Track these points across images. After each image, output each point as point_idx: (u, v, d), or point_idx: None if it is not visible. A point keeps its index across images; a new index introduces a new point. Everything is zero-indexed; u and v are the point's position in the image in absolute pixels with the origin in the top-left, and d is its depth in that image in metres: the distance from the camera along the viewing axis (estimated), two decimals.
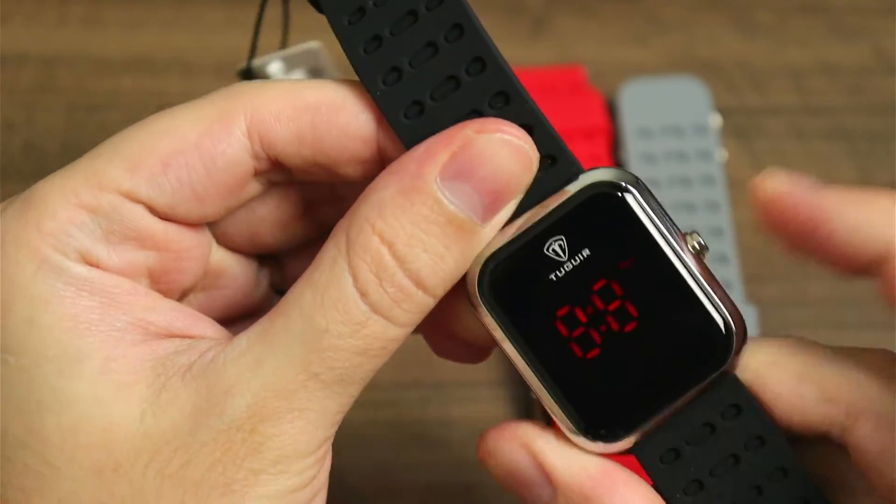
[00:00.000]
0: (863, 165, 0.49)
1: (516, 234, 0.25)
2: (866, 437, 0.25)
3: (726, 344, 0.25)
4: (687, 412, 0.25)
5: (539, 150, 0.25)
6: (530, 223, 0.25)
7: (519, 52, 0.51)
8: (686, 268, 0.25)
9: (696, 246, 0.25)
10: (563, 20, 0.52)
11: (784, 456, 0.25)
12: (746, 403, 0.25)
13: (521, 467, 0.25)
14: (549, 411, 0.26)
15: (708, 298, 0.25)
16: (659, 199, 0.25)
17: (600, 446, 0.25)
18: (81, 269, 0.24)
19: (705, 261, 0.25)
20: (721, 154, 0.47)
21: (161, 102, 0.48)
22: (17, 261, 0.24)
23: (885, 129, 0.50)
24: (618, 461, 0.26)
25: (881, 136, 0.50)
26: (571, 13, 0.52)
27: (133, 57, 0.49)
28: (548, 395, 0.25)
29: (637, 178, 0.25)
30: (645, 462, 0.26)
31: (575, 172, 0.25)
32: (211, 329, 0.26)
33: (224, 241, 0.28)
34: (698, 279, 0.25)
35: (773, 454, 0.25)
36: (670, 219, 0.25)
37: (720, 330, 0.25)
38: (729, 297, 0.25)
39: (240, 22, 0.51)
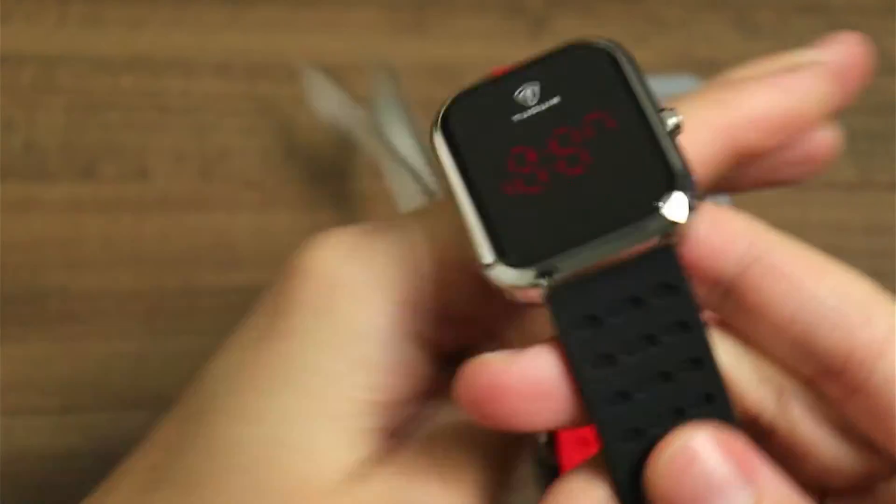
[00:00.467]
0: (863, 165, 0.49)
1: (492, 79, 0.25)
2: (799, 416, 0.24)
3: (668, 188, 0.23)
4: (615, 279, 0.24)
5: None
6: (510, 70, 0.26)
7: (519, 52, 0.50)
8: (654, 129, 0.24)
9: (672, 124, 0.24)
10: (563, 20, 0.52)
11: (702, 347, 0.24)
12: (680, 284, 0.24)
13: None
14: (473, 240, 0.24)
15: (667, 151, 0.24)
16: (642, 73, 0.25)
17: (510, 273, 0.24)
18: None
19: (676, 139, 0.24)
20: None
21: (161, 102, 0.49)
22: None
23: (885, 129, 0.50)
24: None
25: (881, 136, 0.50)
26: (571, 13, 0.52)
27: (133, 57, 0.49)
28: (475, 219, 0.24)
29: (625, 48, 0.25)
30: (559, 321, 0.24)
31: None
32: None
33: None
34: (666, 142, 0.24)
35: (692, 343, 0.24)
36: (650, 89, 0.25)
37: (671, 177, 0.24)
38: (691, 171, 0.24)
39: (240, 22, 0.51)
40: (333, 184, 0.48)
